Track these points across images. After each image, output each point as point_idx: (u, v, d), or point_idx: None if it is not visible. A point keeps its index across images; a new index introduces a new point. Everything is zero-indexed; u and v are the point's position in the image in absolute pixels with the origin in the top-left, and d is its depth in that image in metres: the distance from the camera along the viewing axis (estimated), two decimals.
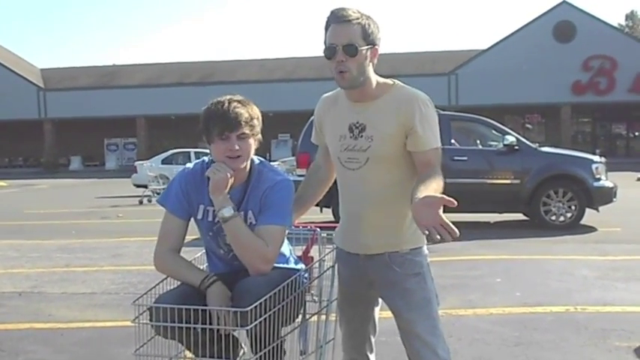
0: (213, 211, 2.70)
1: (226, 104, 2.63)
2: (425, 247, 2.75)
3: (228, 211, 2.59)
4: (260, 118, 2.74)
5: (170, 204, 2.76)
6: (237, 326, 2.47)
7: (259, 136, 2.73)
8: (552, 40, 40.06)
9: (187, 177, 2.78)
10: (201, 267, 2.93)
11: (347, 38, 2.52)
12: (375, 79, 2.65)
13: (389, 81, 2.69)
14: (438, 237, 2.22)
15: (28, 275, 7.81)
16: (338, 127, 2.72)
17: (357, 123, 2.65)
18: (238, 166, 2.65)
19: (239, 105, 2.65)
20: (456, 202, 2.21)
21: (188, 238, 2.79)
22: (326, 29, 2.58)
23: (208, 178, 2.62)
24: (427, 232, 2.23)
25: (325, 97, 2.86)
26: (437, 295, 2.75)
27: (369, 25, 2.55)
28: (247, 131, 2.64)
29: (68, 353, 4.82)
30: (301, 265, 2.86)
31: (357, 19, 2.54)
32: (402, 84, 2.69)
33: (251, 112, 2.67)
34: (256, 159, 2.78)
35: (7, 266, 8.46)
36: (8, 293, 6.84)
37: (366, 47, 2.55)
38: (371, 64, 2.60)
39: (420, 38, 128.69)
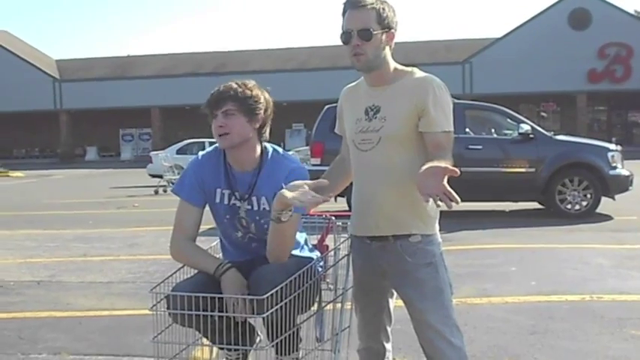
0: (229, 194, 2.73)
1: (222, 86, 2.69)
2: (438, 235, 2.76)
3: (285, 217, 2.53)
4: (262, 99, 2.73)
5: (184, 192, 2.78)
6: (253, 314, 2.49)
7: (261, 115, 2.72)
8: (567, 28, 39.73)
9: (201, 164, 2.81)
10: (216, 256, 2.96)
11: (362, 23, 2.58)
12: (393, 64, 2.70)
13: (407, 68, 2.73)
14: (440, 203, 2.26)
15: (46, 264, 7.89)
16: (355, 112, 2.76)
17: (373, 105, 2.70)
18: (225, 143, 2.66)
19: (233, 84, 2.68)
20: (459, 172, 2.25)
21: (203, 227, 2.81)
22: (342, 15, 2.65)
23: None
24: (429, 200, 2.29)
25: (347, 87, 2.91)
26: (451, 284, 2.75)
27: (383, 10, 2.60)
28: (233, 107, 2.64)
29: (86, 341, 4.87)
30: (316, 254, 2.88)
31: (372, 4, 2.59)
32: (419, 71, 2.72)
33: (245, 90, 2.68)
34: (269, 146, 2.79)
35: (26, 255, 8.55)
36: (27, 282, 6.92)
37: (381, 31, 2.60)
38: (387, 47, 2.65)
39: (434, 26, 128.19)
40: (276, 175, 2.70)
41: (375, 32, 2.58)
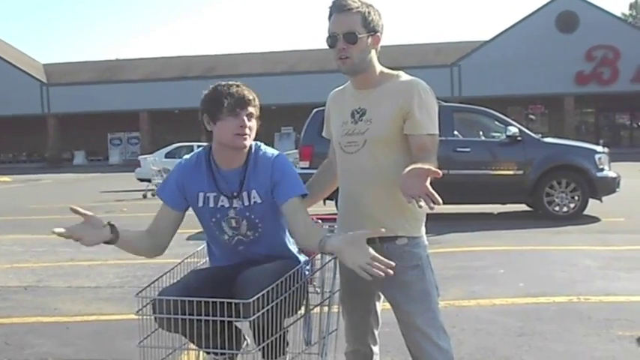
0: (214, 196, 2.74)
1: (233, 85, 2.73)
2: (424, 238, 2.76)
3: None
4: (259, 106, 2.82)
5: (164, 194, 2.84)
6: (239, 317, 2.49)
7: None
8: (555, 31, 39.92)
9: (183, 169, 2.84)
10: (202, 260, 2.97)
11: (347, 27, 2.60)
12: (379, 67, 2.72)
13: (394, 72, 2.75)
14: (422, 204, 2.28)
15: (33, 269, 7.85)
16: (342, 115, 2.78)
17: (359, 108, 2.71)
18: (245, 144, 2.71)
19: (242, 87, 2.75)
20: (441, 173, 2.28)
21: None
22: (329, 19, 2.66)
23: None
24: (412, 201, 2.31)
25: (334, 91, 2.93)
26: (437, 286, 2.76)
27: (369, 13, 2.62)
28: (253, 111, 2.74)
29: (74, 346, 4.85)
30: (303, 257, 2.88)
31: (358, 7, 2.61)
32: (405, 74, 2.74)
33: (254, 96, 2.77)
34: (253, 142, 2.83)
35: (13, 260, 8.51)
36: (14, 287, 6.88)
37: (367, 34, 2.61)
38: (373, 50, 2.67)
39: (423, 29, 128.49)
40: (261, 167, 2.75)
41: (360, 36, 2.60)
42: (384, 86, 2.69)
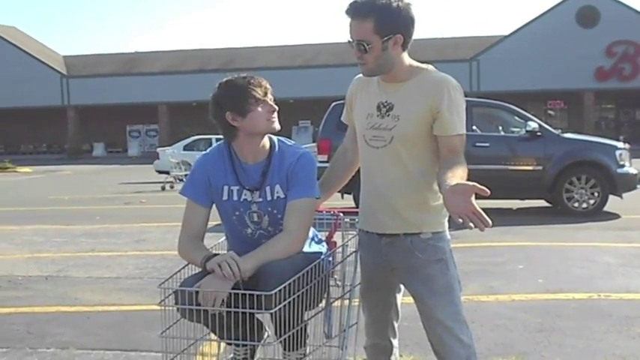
0: (238, 189, 2.74)
1: (245, 77, 2.73)
2: (447, 232, 2.75)
3: (250, 273, 2.56)
4: None
5: (190, 192, 2.81)
6: (261, 309, 2.50)
7: None
8: (575, 26, 39.54)
9: (206, 163, 2.82)
10: (223, 252, 2.97)
11: (358, 35, 2.57)
12: (407, 61, 2.67)
13: (423, 65, 2.70)
14: (472, 225, 2.24)
15: (53, 259, 7.93)
16: (367, 106, 2.74)
17: (386, 102, 2.68)
18: (276, 128, 2.76)
19: (253, 76, 2.76)
20: (489, 192, 2.21)
21: (211, 223, 2.82)
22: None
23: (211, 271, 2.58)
24: (461, 220, 2.26)
25: (359, 76, 2.86)
26: (459, 280, 2.75)
27: (383, 16, 2.53)
28: (273, 99, 2.77)
29: (94, 336, 4.89)
30: (324, 246, 2.89)
31: (370, 13, 2.52)
32: (435, 69, 2.70)
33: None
34: (274, 137, 2.83)
35: (34, 250, 8.59)
36: (35, 277, 6.95)
37: (381, 40, 2.55)
38: (394, 51, 2.60)
39: (442, 24, 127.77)
40: (286, 162, 2.74)
41: (369, 45, 2.55)
42: (413, 81, 2.65)
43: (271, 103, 2.74)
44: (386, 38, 2.56)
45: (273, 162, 2.75)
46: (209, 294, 2.48)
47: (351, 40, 2.60)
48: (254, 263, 2.56)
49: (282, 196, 2.73)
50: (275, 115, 2.75)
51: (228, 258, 2.54)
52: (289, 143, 2.83)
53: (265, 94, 2.73)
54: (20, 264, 7.70)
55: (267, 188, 2.74)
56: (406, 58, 2.67)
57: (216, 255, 2.62)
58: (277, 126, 2.76)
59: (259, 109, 2.70)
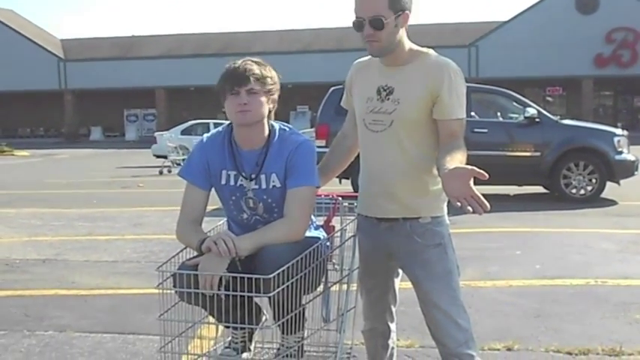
0: (235, 175, 2.73)
1: (239, 63, 2.66)
2: (446, 217, 2.75)
3: (246, 252, 2.55)
4: (276, 80, 2.73)
5: (190, 175, 2.78)
6: (259, 293, 2.50)
7: (274, 96, 2.72)
8: (575, 12, 39.40)
9: (206, 146, 2.80)
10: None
11: (373, 11, 2.51)
12: (408, 44, 2.65)
13: (424, 49, 2.68)
14: (470, 209, 2.22)
15: (51, 243, 7.93)
16: (367, 90, 2.72)
17: (386, 86, 2.65)
18: (246, 120, 2.63)
19: (252, 63, 2.67)
20: (487, 175, 2.20)
21: (209, 208, 2.81)
22: None
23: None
24: (459, 204, 2.24)
25: (358, 61, 2.85)
26: (458, 265, 2.75)
27: None
28: (257, 87, 2.63)
29: (92, 319, 4.90)
30: (322, 232, 2.88)
31: None
32: (435, 53, 2.68)
33: (264, 71, 2.67)
34: (275, 124, 2.78)
35: (31, 234, 8.59)
36: (32, 260, 6.96)
37: (394, 15, 2.52)
38: (402, 29, 2.58)
39: (440, 9, 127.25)
40: (284, 151, 2.70)
41: (387, 20, 2.51)
42: (413, 64, 2.63)
43: (243, 94, 2.61)
44: (398, 14, 2.53)
45: (270, 150, 2.72)
46: (206, 276, 2.47)
47: (360, 18, 2.54)
48: (251, 244, 2.55)
49: (279, 185, 2.70)
50: (244, 107, 2.61)
51: (224, 235, 2.54)
52: (291, 131, 2.79)
53: (239, 84, 2.61)
54: (18, 247, 7.70)
55: (263, 176, 2.71)
56: (407, 41, 2.65)
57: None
58: (244, 119, 2.63)
59: (230, 98, 2.64)
